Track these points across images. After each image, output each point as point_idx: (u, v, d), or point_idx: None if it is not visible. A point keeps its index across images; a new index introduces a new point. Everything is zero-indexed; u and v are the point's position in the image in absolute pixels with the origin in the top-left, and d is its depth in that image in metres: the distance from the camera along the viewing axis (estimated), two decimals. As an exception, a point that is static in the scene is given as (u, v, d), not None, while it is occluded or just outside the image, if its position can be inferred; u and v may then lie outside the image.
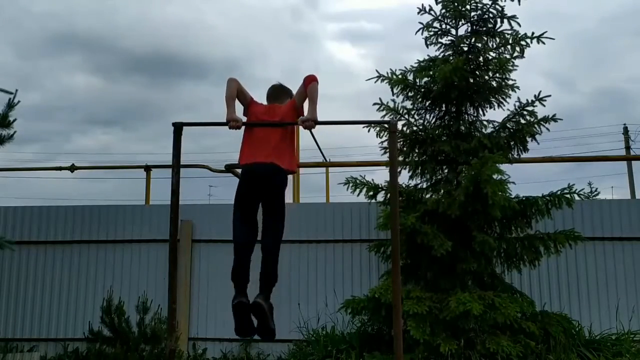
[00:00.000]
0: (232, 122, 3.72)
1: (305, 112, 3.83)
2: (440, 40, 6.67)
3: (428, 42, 6.66)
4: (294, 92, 3.97)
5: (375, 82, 6.53)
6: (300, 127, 3.84)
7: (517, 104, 6.38)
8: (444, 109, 6.59)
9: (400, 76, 6.52)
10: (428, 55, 6.63)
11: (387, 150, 5.55)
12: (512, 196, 6.09)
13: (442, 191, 6.33)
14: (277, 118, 3.88)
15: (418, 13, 6.62)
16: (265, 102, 4.09)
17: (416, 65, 6.56)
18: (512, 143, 6.38)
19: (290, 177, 3.90)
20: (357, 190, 6.47)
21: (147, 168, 8.95)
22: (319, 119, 3.74)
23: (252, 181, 3.73)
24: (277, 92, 4.11)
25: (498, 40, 6.45)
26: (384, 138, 6.38)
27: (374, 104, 6.53)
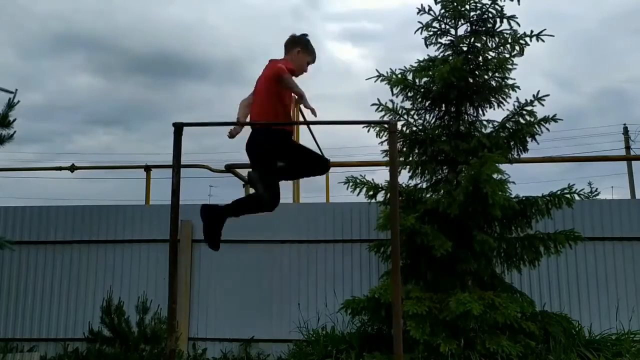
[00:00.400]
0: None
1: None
2: (439, 40, 6.67)
3: (427, 42, 6.67)
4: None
5: (375, 81, 6.53)
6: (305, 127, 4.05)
7: (516, 103, 6.39)
8: (443, 109, 6.59)
9: (399, 76, 6.51)
10: (428, 55, 6.63)
11: (387, 150, 5.55)
12: (512, 196, 6.09)
13: (442, 191, 6.33)
14: (259, 84, 4.01)
15: (417, 13, 6.62)
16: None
17: (416, 65, 6.56)
18: (511, 143, 6.38)
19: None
20: (357, 189, 6.47)
21: (147, 168, 8.96)
22: (319, 116, 3.83)
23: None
24: (285, 45, 4.14)
25: (497, 40, 6.45)
26: (384, 138, 6.38)
27: (373, 104, 6.54)
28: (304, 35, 4.09)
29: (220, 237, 4.03)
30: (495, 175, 5.78)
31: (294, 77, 3.89)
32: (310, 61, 4.06)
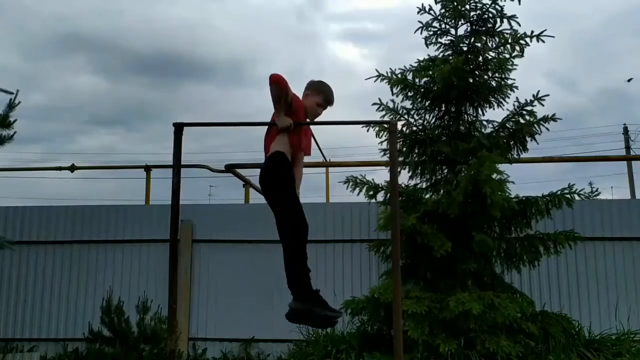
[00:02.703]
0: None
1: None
2: (440, 40, 6.67)
3: (428, 42, 6.66)
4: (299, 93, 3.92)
5: (375, 81, 6.53)
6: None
7: (516, 103, 6.38)
8: (443, 109, 6.59)
9: (399, 76, 6.51)
10: (428, 55, 6.63)
11: (387, 150, 5.55)
12: (512, 196, 6.09)
13: (441, 191, 6.33)
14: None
15: (418, 13, 6.62)
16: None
17: (416, 65, 6.56)
18: (511, 143, 6.38)
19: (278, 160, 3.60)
20: (357, 189, 6.47)
21: (147, 168, 8.97)
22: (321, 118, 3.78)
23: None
24: None
25: (497, 39, 6.45)
26: (384, 138, 6.38)
27: (374, 103, 6.54)
28: (320, 81, 3.92)
29: (327, 305, 3.44)
30: (494, 176, 5.77)
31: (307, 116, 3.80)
32: (319, 102, 3.83)
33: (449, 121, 6.55)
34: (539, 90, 6.28)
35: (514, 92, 6.48)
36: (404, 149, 6.51)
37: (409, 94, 6.58)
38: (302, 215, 3.53)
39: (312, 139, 4.00)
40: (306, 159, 4.10)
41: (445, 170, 6.47)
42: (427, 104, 6.61)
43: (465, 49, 6.53)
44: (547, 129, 6.31)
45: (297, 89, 3.77)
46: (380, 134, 6.41)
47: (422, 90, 6.52)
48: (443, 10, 6.57)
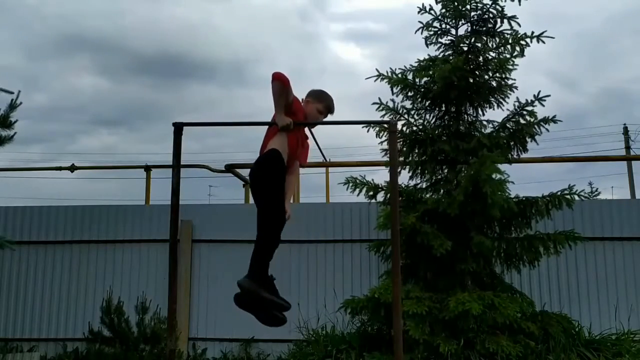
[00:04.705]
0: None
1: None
2: (440, 40, 6.67)
3: (428, 42, 6.66)
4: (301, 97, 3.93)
5: (375, 80, 6.52)
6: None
7: (517, 104, 6.38)
8: (443, 108, 6.59)
9: (400, 76, 6.51)
10: (428, 55, 6.63)
11: (387, 150, 5.55)
12: (512, 196, 6.09)
13: (442, 191, 6.33)
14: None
15: (418, 12, 6.61)
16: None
17: (416, 64, 6.56)
18: (511, 143, 6.38)
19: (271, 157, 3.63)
20: (357, 190, 6.47)
21: (147, 168, 8.96)
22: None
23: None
24: None
25: (498, 40, 6.45)
26: (384, 138, 6.38)
27: (373, 103, 6.54)
28: (321, 90, 3.98)
29: (276, 307, 3.70)
30: (494, 176, 5.77)
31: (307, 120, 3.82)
32: (320, 109, 3.87)
33: (449, 121, 6.55)
34: (539, 91, 6.28)
35: (514, 92, 6.48)
36: (404, 148, 6.51)
37: (409, 93, 6.58)
38: (283, 217, 3.65)
39: (308, 150, 4.04)
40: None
41: (446, 170, 6.47)
42: (427, 103, 6.61)
43: (465, 49, 6.53)
44: (547, 129, 6.32)
45: (298, 90, 3.78)
46: (380, 134, 6.41)
47: (422, 90, 6.52)
48: (444, 10, 6.57)
